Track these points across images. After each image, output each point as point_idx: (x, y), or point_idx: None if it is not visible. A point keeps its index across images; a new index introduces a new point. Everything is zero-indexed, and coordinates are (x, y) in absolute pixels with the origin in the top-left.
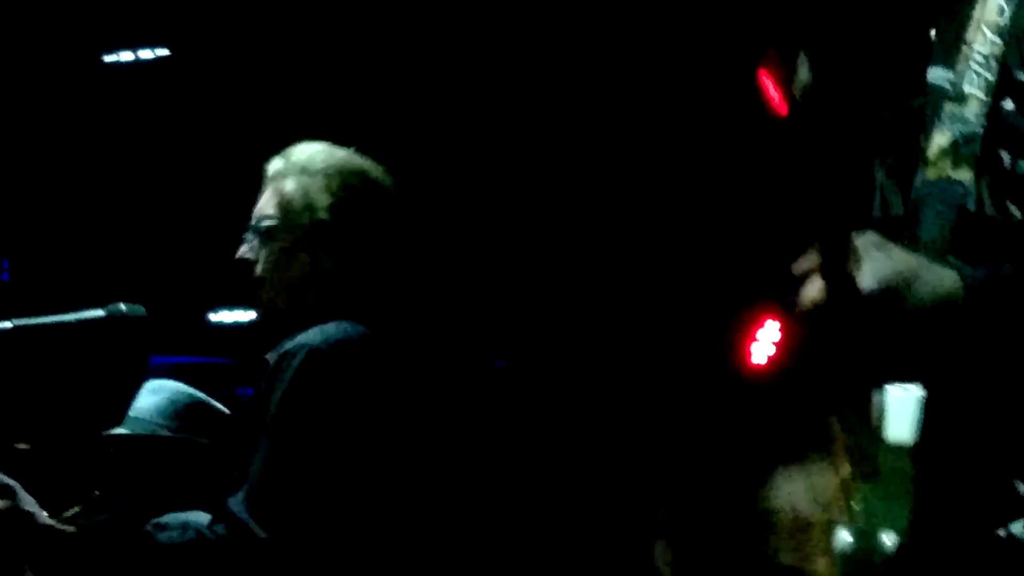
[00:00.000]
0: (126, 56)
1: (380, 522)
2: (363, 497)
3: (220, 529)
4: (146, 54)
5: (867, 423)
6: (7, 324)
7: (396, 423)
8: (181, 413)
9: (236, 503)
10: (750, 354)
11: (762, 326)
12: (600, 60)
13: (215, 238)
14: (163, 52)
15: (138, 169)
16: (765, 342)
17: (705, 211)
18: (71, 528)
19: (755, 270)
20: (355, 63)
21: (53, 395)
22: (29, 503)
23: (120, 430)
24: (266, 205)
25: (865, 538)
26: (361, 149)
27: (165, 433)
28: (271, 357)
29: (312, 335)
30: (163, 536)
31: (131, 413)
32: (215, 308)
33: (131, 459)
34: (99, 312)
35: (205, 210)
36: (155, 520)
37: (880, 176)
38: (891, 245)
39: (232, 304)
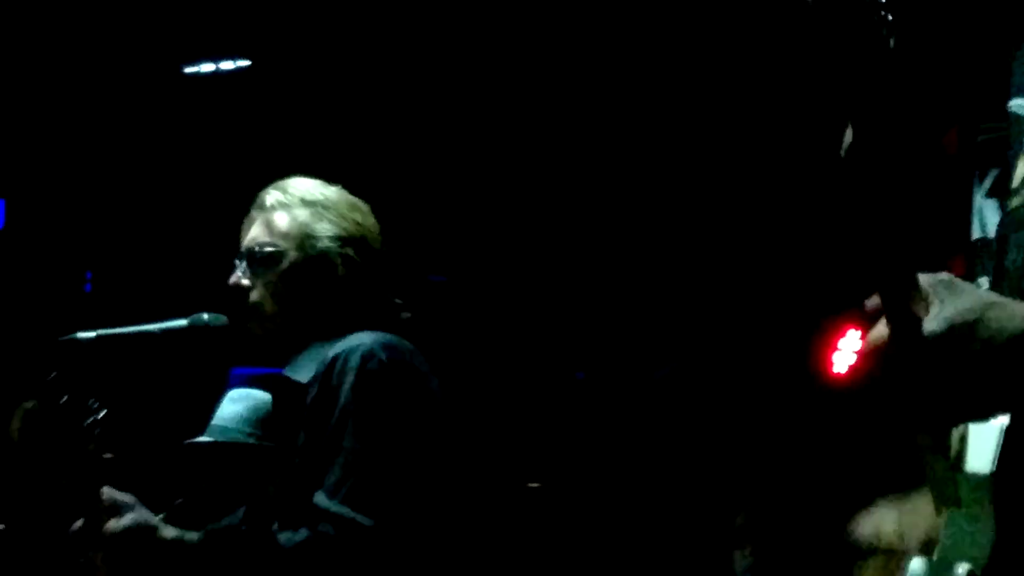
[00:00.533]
0: (207, 67)
1: (438, 510)
2: (427, 486)
3: (327, 528)
4: (227, 65)
5: (946, 453)
6: (91, 334)
7: (438, 416)
8: (264, 420)
9: (333, 503)
10: (831, 363)
11: (843, 335)
12: (684, 68)
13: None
14: (244, 63)
15: (220, 179)
16: (846, 351)
17: (787, 219)
18: (195, 536)
19: (836, 278)
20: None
21: (136, 405)
22: (149, 516)
23: (203, 438)
24: (263, 233)
25: (939, 569)
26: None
27: (248, 440)
28: (297, 373)
29: (352, 341)
30: (283, 538)
31: (214, 421)
32: None
33: (215, 466)
34: (182, 322)
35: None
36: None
37: (978, 199)
38: (961, 284)
39: None
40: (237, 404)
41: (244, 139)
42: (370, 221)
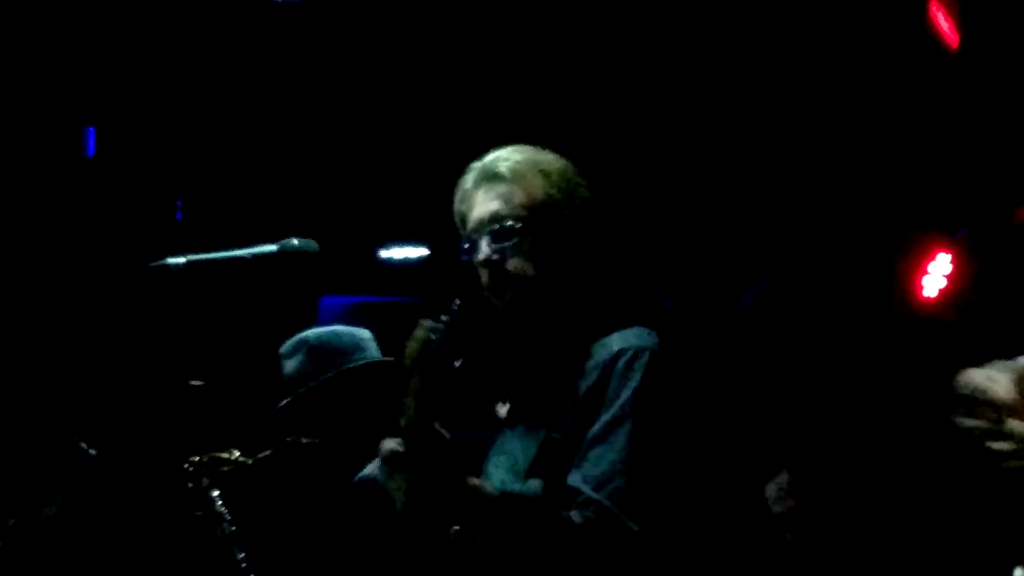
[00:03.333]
0: None
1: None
2: (697, 493)
3: (590, 514)
4: None
5: None
6: (181, 260)
7: (711, 421)
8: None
9: (599, 495)
10: (921, 287)
11: (933, 259)
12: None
13: (383, 175)
14: None
15: (306, 106)
16: (936, 275)
17: (873, 144)
18: (493, 491)
19: (926, 201)
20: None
21: (227, 332)
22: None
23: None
24: (505, 206)
25: None
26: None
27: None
28: (539, 358)
29: (637, 337)
30: (572, 514)
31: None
32: (385, 244)
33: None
34: (272, 247)
35: (374, 147)
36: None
37: None
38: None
39: (402, 240)
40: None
41: (333, 66)
42: (589, 187)
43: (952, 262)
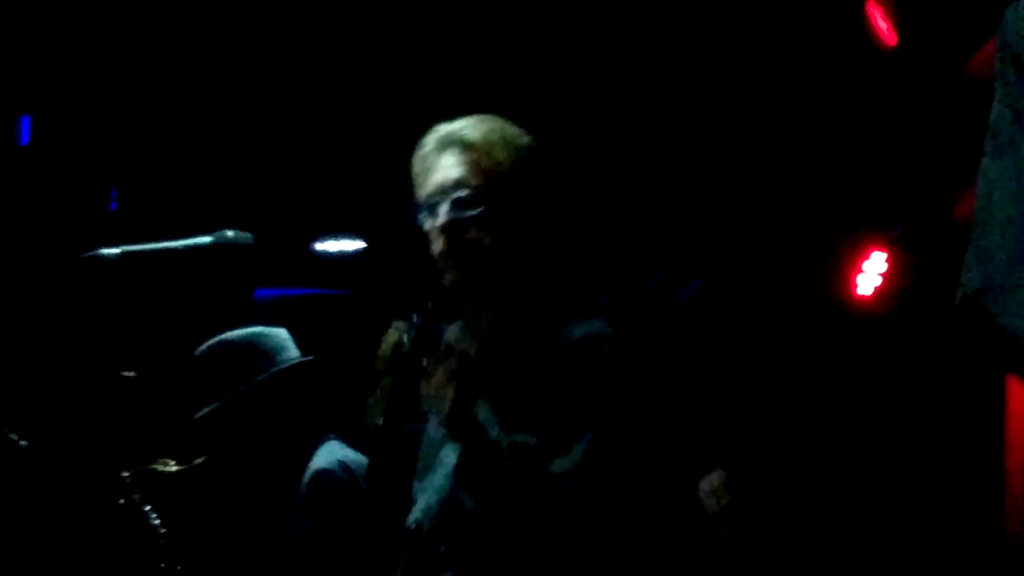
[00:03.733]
0: None
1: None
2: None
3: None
4: None
5: None
6: (115, 251)
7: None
8: None
9: (568, 477)
10: (856, 285)
11: (867, 257)
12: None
13: (320, 167)
14: None
15: (242, 97)
16: (871, 273)
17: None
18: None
19: (860, 199)
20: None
21: (159, 324)
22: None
23: None
24: (470, 173)
25: None
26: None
27: None
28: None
29: (599, 325)
30: None
31: None
32: (320, 237)
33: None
34: (206, 239)
35: (310, 140)
36: None
37: None
38: None
39: (337, 233)
40: None
41: (267, 57)
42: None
43: (887, 260)
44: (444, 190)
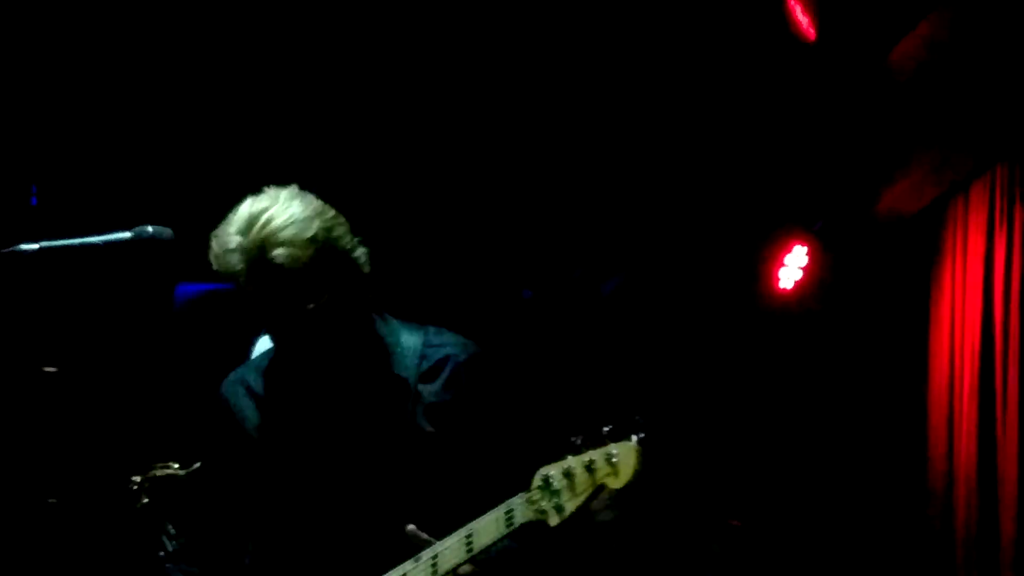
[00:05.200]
0: None
1: None
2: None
3: None
4: None
5: None
6: (33, 246)
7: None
8: None
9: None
10: (777, 279)
11: (789, 251)
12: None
13: (238, 164)
14: None
15: (163, 94)
16: (792, 267)
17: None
18: None
19: (781, 194)
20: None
21: (79, 318)
22: None
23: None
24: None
25: None
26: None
27: None
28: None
29: (454, 341)
30: None
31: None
32: None
33: None
34: (126, 234)
35: (230, 136)
36: None
37: None
38: None
39: None
40: None
41: (188, 53)
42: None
43: (808, 254)
44: None
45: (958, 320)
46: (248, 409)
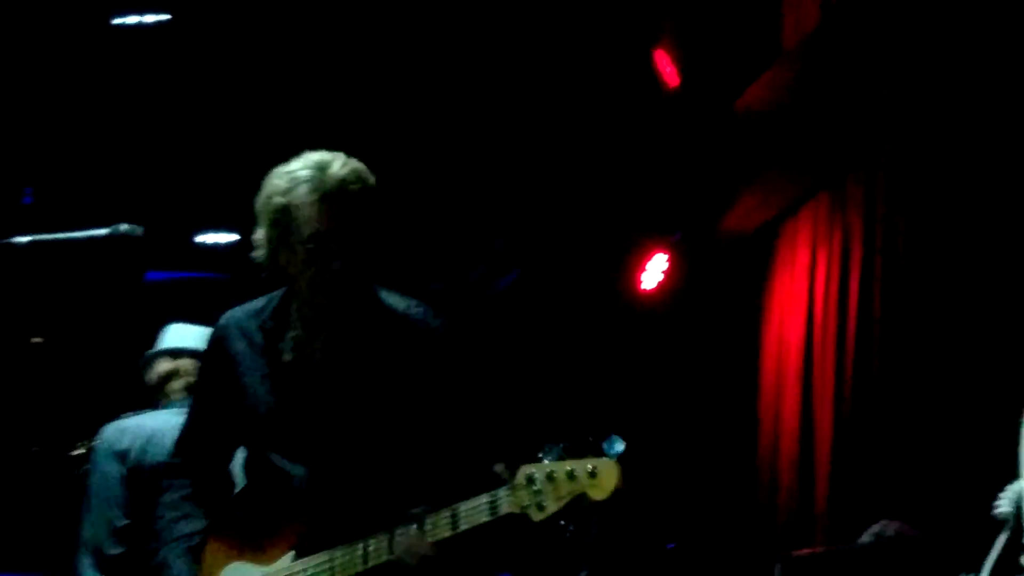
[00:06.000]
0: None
1: None
2: None
3: None
4: (149, 18)
5: None
6: (25, 239)
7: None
8: None
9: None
10: (640, 281)
11: (651, 257)
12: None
13: (201, 170)
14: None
15: (137, 113)
16: (654, 271)
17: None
18: None
19: (646, 210)
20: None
21: (64, 298)
22: None
23: None
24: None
25: None
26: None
27: None
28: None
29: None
30: None
31: None
32: (201, 230)
33: None
34: (103, 231)
35: (191, 149)
36: None
37: None
38: None
39: (215, 227)
40: None
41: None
42: None
43: (667, 261)
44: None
45: (786, 320)
46: (246, 357)
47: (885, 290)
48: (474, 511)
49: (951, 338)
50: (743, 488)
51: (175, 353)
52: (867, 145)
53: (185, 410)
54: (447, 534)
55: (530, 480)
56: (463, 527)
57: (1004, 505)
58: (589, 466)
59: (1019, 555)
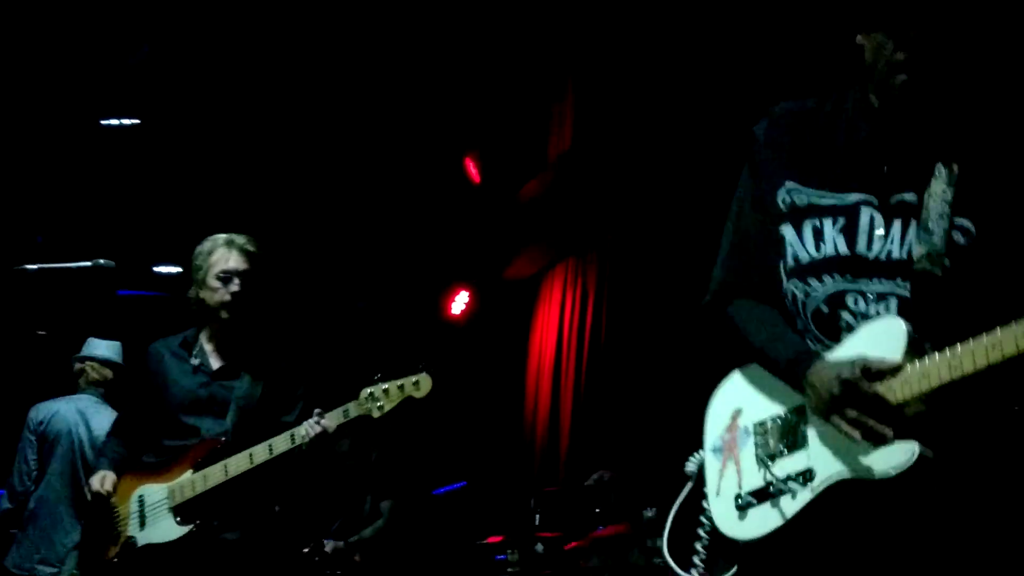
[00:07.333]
0: (111, 121)
1: None
2: None
3: None
4: (126, 120)
5: None
6: (34, 267)
7: None
8: None
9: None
10: (451, 308)
11: (458, 293)
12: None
13: (157, 226)
14: (135, 120)
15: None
16: (459, 302)
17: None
18: None
19: (455, 262)
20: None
21: (58, 306)
22: None
23: None
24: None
25: None
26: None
27: None
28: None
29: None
30: None
31: None
32: (159, 263)
33: None
34: (87, 263)
35: (151, 213)
36: None
37: None
38: None
39: (169, 262)
40: None
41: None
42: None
43: (469, 296)
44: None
45: (545, 337)
46: (172, 361)
47: (609, 321)
48: (333, 416)
49: (650, 351)
50: (511, 444)
51: (87, 359)
52: (600, 229)
53: (88, 396)
54: (318, 431)
55: (371, 396)
56: (326, 426)
57: (690, 465)
58: (413, 379)
59: (700, 513)
